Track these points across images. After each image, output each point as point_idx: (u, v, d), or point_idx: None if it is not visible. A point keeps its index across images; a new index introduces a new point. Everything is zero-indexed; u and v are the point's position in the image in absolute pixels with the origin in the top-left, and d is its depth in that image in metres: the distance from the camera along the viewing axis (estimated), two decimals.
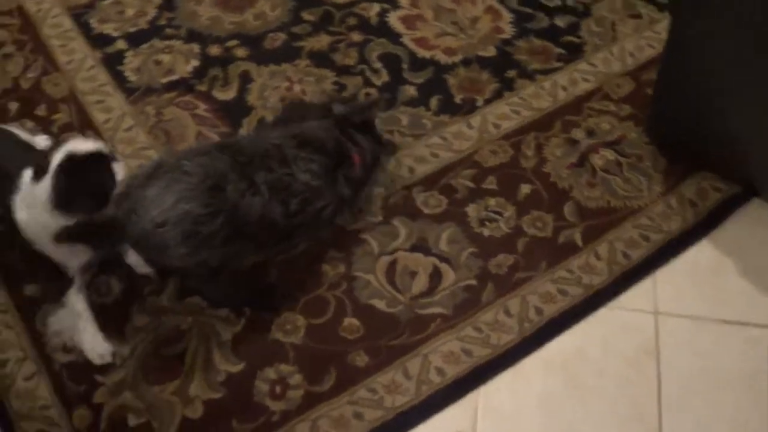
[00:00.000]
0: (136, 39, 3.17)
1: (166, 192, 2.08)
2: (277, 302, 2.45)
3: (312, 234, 2.43)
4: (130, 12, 3.28)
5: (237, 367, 2.32)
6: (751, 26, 2.26)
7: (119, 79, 3.02)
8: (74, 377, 2.30)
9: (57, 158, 2.18)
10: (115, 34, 3.19)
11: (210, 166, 2.15)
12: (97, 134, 2.81)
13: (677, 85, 2.36)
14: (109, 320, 2.39)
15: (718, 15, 2.33)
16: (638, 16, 3.29)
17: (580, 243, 2.59)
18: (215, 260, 2.16)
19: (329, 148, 2.40)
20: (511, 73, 3.06)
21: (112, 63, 3.08)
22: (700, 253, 2.60)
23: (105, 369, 2.31)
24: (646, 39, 3.19)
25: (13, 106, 2.92)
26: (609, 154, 2.80)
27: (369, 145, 2.57)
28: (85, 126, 2.85)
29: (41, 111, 2.90)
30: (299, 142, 2.34)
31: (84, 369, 2.31)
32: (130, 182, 2.16)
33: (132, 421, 2.22)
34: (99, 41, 3.16)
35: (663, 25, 3.21)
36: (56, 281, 2.40)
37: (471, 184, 2.72)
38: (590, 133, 2.86)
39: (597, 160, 2.78)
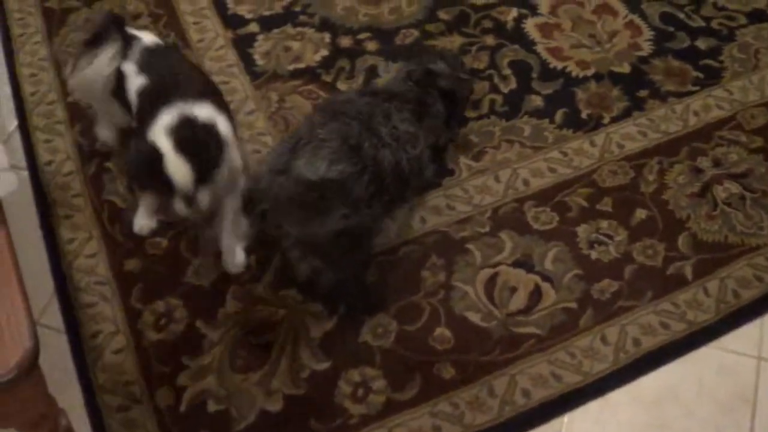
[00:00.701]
0: (269, 23, 3.22)
1: (315, 159, 2.16)
2: (372, 307, 2.46)
3: (417, 186, 2.52)
4: None
5: (322, 365, 2.32)
6: None
7: (247, 62, 3.06)
8: (161, 357, 2.34)
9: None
10: (249, 16, 3.24)
11: (342, 129, 2.25)
12: None
13: None
14: (204, 303, 2.43)
15: None
16: None
17: (689, 276, 2.50)
18: (366, 220, 2.24)
19: (411, 98, 2.50)
20: (643, 93, 2.98)
21: (243, 45, 3.13)
22: None
23: (192, 352, 2.34)
24: None
25: None
26: (733, 187, 2.70)
27: (440, 110, 2.59)
28: None
29: None
30: (385, 97, 2.46)
31: (172, 349, 2.35)
32: (274, 160, 2.24)
33: (211, 407, 2.25)
34: (233, 22, 3.22)
35: None
36: None
37: (585, 204, 2.66)
38: (717, 163, 2.77)
39: (720, 192, 2.68)
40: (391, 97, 2.46)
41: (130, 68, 2.41)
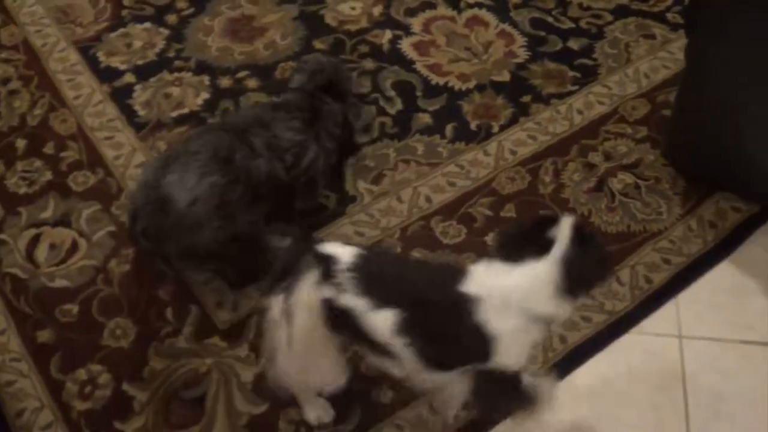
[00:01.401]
0: (144, 72, 3.18)
1: (185, 173, 2.22)
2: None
3: (312, 190, 2.58)
4: (137, 44, 3.28)
5: (259, 409, 2.30)
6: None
7: (128, 114, 3.02)
8: (93, 426, 2.28)
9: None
10: (123, 67, 3.19)
11: (214, 141, 2.32)
12: (107, 171, 2.81)
13: (695, 108, 2.36)
14: (127, 364, 2.38)
15: (735, 39, 2.33)
16: (652, 37, 3.28)
17: None
18: (244, 228, 2.28)
19: (303, 106, 2.56)
20: (526, 98, 3.05)
21: (121, 97, 3.08)
22: (722, 275, 2.59)
23: (124, 416, 2.29)
24: (660, 59, 3.18)
25: (21, 143, 2.91)
26: (627, 178, 2.79)
27: (334, 109, 2.64)
28: (95, 163, 2.84)
29: (49, 149, 2.90)
30: (273, 106, 2.58)
31: (102, 416, 2.29)
32: (146, 176, 2.30)
33: None
34: (107, 75, 3.16)
35: (677, 44, 3.20)
36: None
37: (489, 213, 2.71)
38: (607, 156, 2.85)
39: (615, 183, 2.77)
40: (279, 106, 2.54)
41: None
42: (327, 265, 1.83)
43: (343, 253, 1.87)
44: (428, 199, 2.75)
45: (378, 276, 1.87)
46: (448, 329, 1.85)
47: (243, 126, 2.43)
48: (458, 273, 1.85)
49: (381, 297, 1.83)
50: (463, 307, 1.80)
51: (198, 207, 2.21)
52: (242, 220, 2.28)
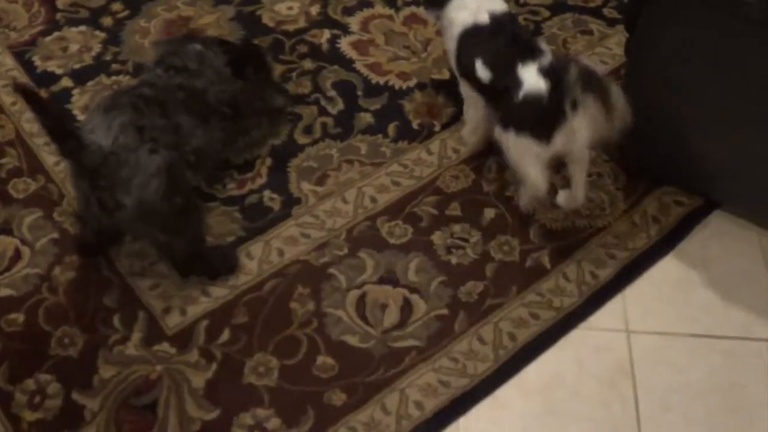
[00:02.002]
0: (81, 76, 3.12)
1: (95, 126, 2.31)
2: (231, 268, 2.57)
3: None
4: (74, 48, 3.22)
5: (212, 415, 2.27)
6: (710, 43, 2.30)
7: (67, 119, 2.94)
8: None
9: None
10: (59, 71, 3.13)
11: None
12: (48, 178, 2.77)
13: (636, 104, 2.37)
14: (76, 373, 2.34)
15: (678, 33, 2.36)
16: (589, 32, 3.30)
17: (548, 265, 2.59)
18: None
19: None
20: None
21: (59, 102, 3.02)
22: (667, 268, 2.62)
23: (76, 425, 2.25)
24: (598, 55, 3.20)
25: None
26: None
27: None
28: (36, 170, 2.80)
29: None
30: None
31: (53, 426, 2.25)
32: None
33: None
34: (44, 79, 3.10)
35: (614, 39, 3.23)
36: None
37: (435, 212, 2.71)
38: None
39: (558, 180, 2.78)
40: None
41: None
42: None
43: None
44: (373, 200, 2.74)
45: None
46: None
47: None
48: None
49: None
50: None
51: (122, 139, 2.27)
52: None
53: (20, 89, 2.19)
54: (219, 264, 2.56)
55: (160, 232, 2.44)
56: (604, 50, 3.22)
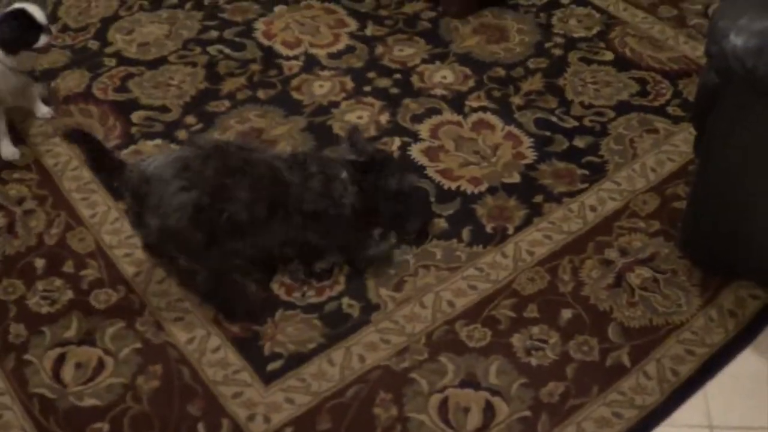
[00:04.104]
0: None
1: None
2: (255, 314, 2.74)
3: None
4: None
5: None
6: None
7: None
8: None
9: None
10: None
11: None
12: (129, 288, 2.84)
13: (708, 202, 2.41)
14: None
15: (749, 134, 2.39)
16: (655, 131, 3.35)
17: (628, 364, 2.60)
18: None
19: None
20: (538, 198, 3.11)
21: None
22: (746, 362, 2.62)
23: None
24: (665, 153, 3.25)
25: (40, 263, 2.92)
26: (645, 272, 2.83)
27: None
28: (116, 281, 2.87)
29: (69, 267, 2.91)
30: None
31: None
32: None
33: None
34: (121, 193, 3.17)
35: (680, 137, 3.28)
36: None
37: (512, 314, 2.74)
38: (623, 252, 2.90)
39: (633, 278, 2.81)
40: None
41: None
42: None
43: None
44: (451, 304, 2.78)
45: None
46: None
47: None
48: None
49: None
50: None
51: (161, 170, 2.54)
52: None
53: (68, 133, 2.46)
54: (237, 306, 2.72)
55: (182, 256, 2.66)
56: (671, 148, 3.27)
